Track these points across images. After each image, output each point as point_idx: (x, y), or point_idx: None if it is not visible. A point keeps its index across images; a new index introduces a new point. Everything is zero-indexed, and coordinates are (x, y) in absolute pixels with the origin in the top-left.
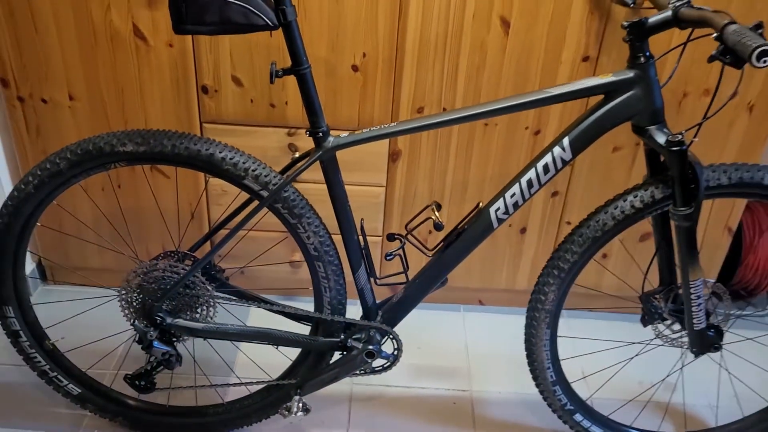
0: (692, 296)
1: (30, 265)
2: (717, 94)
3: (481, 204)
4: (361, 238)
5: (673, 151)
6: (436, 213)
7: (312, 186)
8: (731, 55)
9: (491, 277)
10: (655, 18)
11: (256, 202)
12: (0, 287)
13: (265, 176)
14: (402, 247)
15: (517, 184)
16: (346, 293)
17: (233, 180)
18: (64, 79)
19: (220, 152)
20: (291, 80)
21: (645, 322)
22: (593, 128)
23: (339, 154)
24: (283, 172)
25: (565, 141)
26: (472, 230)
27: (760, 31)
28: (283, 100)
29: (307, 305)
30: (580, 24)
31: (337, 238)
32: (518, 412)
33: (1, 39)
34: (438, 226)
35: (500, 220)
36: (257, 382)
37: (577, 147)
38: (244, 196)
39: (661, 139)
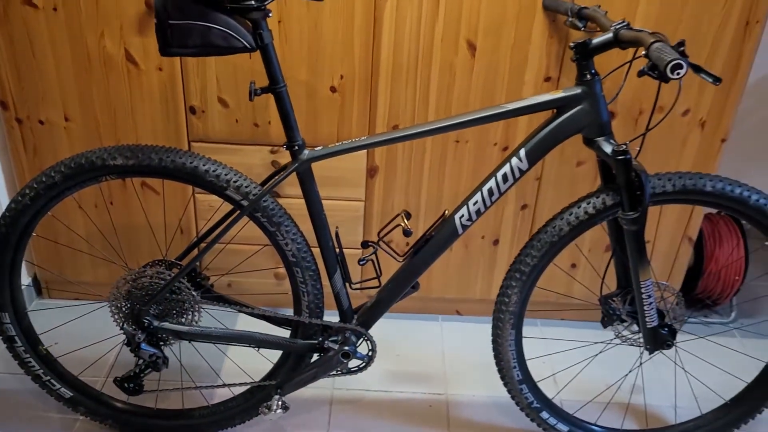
0: (643, 295)
1: (26, 280)
2: (671, 110)
3: (446, 212)
4: (336, 245)
5: (619, 159)
6: (405, 221)
7: (294, 201)
8: (656, 70)
9: (467, 288)
10: (598, 39)
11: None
12: None
13: (246, 187)
14: (374, 253)
15: (479, 193)
16: (323, 297)
17: (216, 191)
18: (60, 101)
19: (203, 165)
20: (274, 101)
21: (605, 323)
22: (547, 140)
23: (321, 171)
24: (263, 184)
25: (522, 152)
26: (439, 236)
27: (681, 48)
28: (266, 120)
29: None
30: (541, 47)
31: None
32: (490, 413)
33: (1, 64)
34: (407, 233)
35: (464, 227)
36: (240, 384)
37: (533, 157)
38: (228, 208)
39: (608, 149)
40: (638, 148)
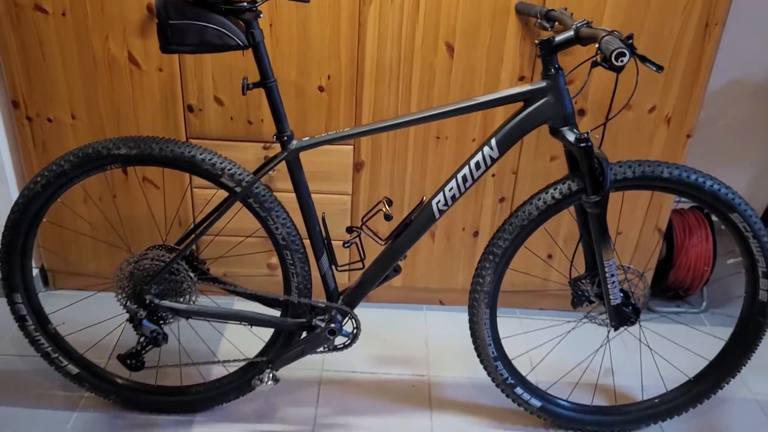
0: (607, 274)
1: (33, 271)
2: (629, 100)
3: (425, 198)
4: (323, 229)
5: (581, 147)
6: (387, 207)
7: (284, 195)
8: (608, 61)
9: (449, 278)
10: (561, 37)
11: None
12: (10, 276)
13: (239, 174)
14: (358, 237)
15: (454, 180)
16: (311, 279)
17: (211, 178)
18: (67, 101)
19: (200, 154)
20: (266, 101)
21: (574, 304)
22: (516, 129)
23: (311, 166)
24: (255, 173)
25: (493, 141)
26: (418, 221)
27: (630, 41)
28: (259, 118)
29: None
30: (515, 48)
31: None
32: (470, 393)
33: (14, 66)
34: (387, 217)
35: (441, 211)
36: (235, 360)
37: (503, 146)
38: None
39: (571, 137)
40: (600, 137)
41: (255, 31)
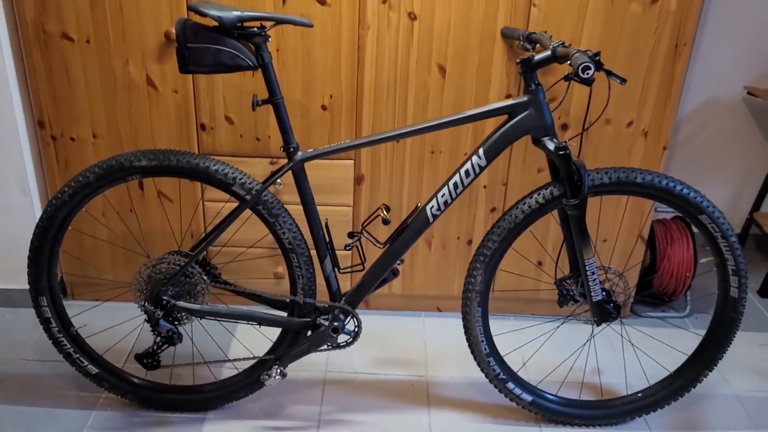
0: (588, 272)
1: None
2: (603, 111)
3: (419, 204)
4: (326, 234)
5: (560, 154)
6: (385, 212)
7: (290, 207)
8: (577, 75)
9: (446, 285)
10: (539, 56)
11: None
12: (37, 280)
13: (249, 184)
14: (359, 240)
15: (446, 186)
16: (315, 280)
17: (223, 187)
18: (89, 121)
19: (213, 165)
20: (273, 118)
21: (560, 303)
22: (501, 140)
23: (315, 179)
24: (264, 183)
25: (481, 150)
26: (413, 225)
27: (597, 57)
28: (267, 135)
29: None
30: (501, 69)
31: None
32: (466, 391)
33: (41, 89)
34: (385, 221)
35: (434, 216)
36: (244, 359)
37: (490, 155)
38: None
39: (551, 146)
40: (578, 145)
41: (264, 53)
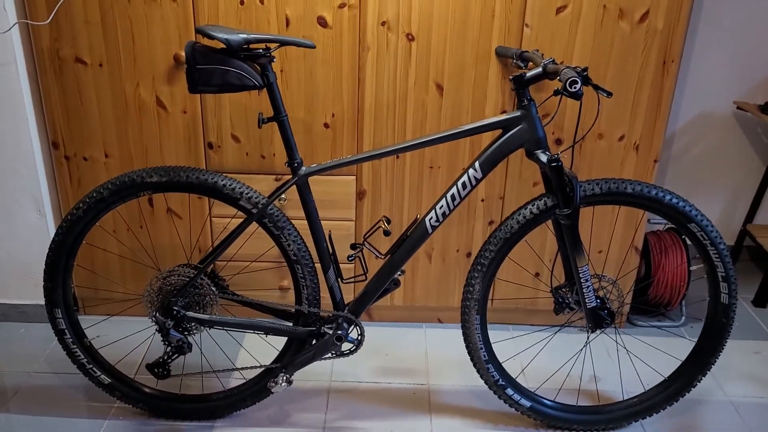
0: (582, 279)
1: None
2: (594, 124)
3: (419, 216)
4: (329, 246)
5: (552, 166)
6: (386, 224)
7: (295, 222)
8: (566, 89)
9: (446, 297)
10: (531, 73)
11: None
12: (53, 293)
13: (255, 198)
14: (361, 251)
15: (444, 199)
16: (319, 290)
17: (231, 201)
18: (101, 141)
19: (221, 181)
20: (278, 136)
21: (557, 311)
22: (496, 153)
23: (318, 195)
24: (270, 197)
25: (477, 164)
26: (413, 236)
27: (585, 73)
28: (272, 152)
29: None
30: (496, 86)
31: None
32: (466, 399)
33: (55, 111)
34: (386, 233)
35: (433, 227)
36: (252, 368)
37: (486, 168)
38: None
39: (544, 159)
40: (570, 158)
41: (269, 73)
